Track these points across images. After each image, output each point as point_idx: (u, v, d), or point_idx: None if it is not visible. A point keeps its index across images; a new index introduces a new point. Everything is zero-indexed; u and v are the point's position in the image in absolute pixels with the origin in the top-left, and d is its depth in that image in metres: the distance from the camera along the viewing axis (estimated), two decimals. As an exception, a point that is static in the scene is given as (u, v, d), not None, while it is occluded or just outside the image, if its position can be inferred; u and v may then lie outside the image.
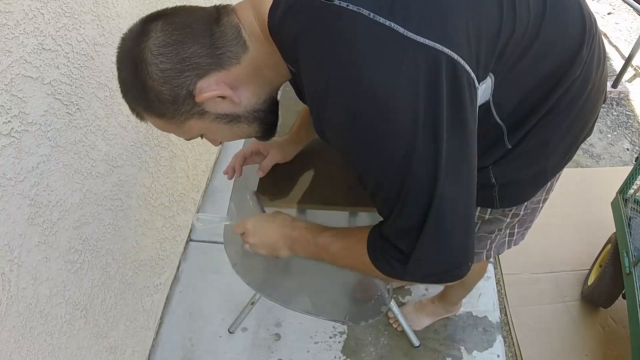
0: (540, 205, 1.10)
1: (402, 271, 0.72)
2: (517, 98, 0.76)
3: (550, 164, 0.94)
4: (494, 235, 1.12)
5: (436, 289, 1.66)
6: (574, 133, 0.91)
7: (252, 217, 0.96)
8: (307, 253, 0.90)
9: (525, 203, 1.01)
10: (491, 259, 1.21)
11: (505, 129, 0.81)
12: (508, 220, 1.05)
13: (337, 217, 1.17)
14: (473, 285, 1.48)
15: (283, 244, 0.92)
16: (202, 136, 0.80)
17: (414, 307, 1.64)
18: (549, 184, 1.03)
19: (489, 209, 1.01)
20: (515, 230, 1.15)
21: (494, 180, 0.89)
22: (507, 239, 1.18)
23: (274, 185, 1.18)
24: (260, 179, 1.16)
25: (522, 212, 1.04)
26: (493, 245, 1.17)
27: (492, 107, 0.74)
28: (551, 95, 0.77)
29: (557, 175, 1.04)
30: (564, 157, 0.96)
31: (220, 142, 0.84)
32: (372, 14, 0.58)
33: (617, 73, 2.67)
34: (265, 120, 0.80)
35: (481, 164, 0.82)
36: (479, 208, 1.01)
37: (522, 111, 0.79)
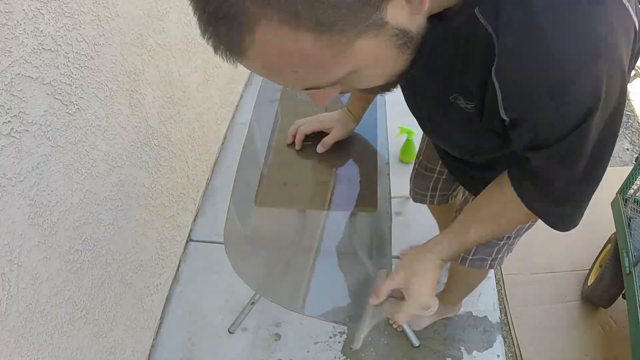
0: None
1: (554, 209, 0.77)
2: None
3: None
4: (502, 242, 1.12)
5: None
6: None
7: (402, 269, 0.87)
8: (456, 250, 0.87)
9: None
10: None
11: None
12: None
13: (337, 217, 1.17)
14: (474, 287, 1.49)
15: (439, 269, 0.88)
16: (337, 83, 0.54)
17: None
18: None
19: None
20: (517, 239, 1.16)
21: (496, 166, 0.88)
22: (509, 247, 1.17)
23: (275, 186, 1.18)
24: (260, 179, 1.16)
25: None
26: (498, 257, 1.18)
27: None
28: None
29: None
30: None
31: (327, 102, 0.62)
32: None
33: (617, 73, 2.67)
34: (413, 63, 0.57)
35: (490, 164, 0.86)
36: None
37: None
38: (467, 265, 1.22)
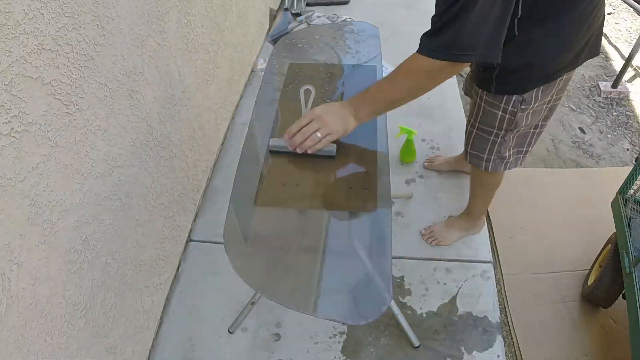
0: (543, 109, 1.29)
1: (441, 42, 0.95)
2: None
3: (550, 60, 1.13)
4: (492, 137, 1.35)
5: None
6: (575, 33, 1.09)
7: (317, 107, 1.14)
8: (372, 108, 1.13)
9: (515, 98, 1.21)
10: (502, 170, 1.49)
11: (520, 13, 0.99)
12: (500, 114, 1.26)
13: (337, 218, 1.18)
14: (491, 196, 1.70)
15: (349, 113, 1.13)
16: None
17: (443, 224, 1.85)
18: (547, 88, 1.20)
19: (485, 93, 1.25)
20: (517, 149, 1.41)
21: (494, 63, 1.05)
22: (511, 152, 1.40)
23: (275, 186, 1.18)
24: (260, 179, 1.16)
25: (509, 108, 1.23)
26: (491, 157, 1.41)
27: None
28: None
29: (557, 83, 1.21)
30: (561, 59, 1.14)
31: None
32: None
33: (617, 73, 2.67)
34: None
35: None
36: (479, 94, 1.29)
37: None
38: (469, 160, 1.48)
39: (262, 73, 1.77)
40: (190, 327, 1.63)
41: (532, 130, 1.36)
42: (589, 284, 1.71)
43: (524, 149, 1.43)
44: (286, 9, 2.91)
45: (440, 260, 1.79)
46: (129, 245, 1.35)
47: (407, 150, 2.11)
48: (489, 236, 1.89)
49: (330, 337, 1.59)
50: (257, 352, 1.57)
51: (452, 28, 0.90)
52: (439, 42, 0.94)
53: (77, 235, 1.10)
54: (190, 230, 1.88)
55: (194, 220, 1.91)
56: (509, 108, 1.24)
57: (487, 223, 1.95)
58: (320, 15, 2.97)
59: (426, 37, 0.97)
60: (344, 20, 2.94)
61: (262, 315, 1.64)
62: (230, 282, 1.72)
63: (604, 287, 1.60)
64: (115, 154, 1.24)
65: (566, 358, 1.62)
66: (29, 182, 0.92)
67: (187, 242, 1.85)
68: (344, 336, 1.59)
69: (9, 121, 0.85)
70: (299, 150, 1.16)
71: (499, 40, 0.94)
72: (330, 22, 2.92)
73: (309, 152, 1.16)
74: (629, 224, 1.51)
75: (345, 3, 3.22)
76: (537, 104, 1.23)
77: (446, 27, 0.91)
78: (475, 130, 1.39)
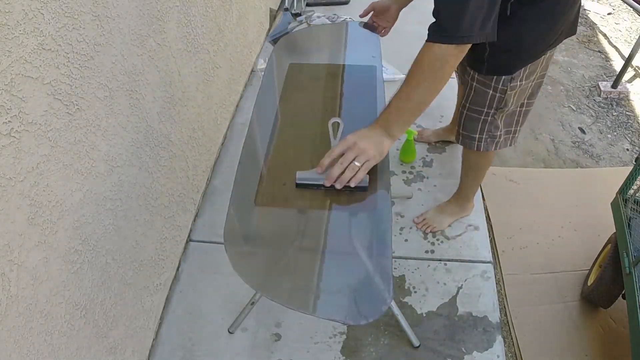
0: (528, 87, 1.38)
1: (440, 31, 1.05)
2: None
3: (538, 39, 1.22)
4: (482, 116, 1.42)
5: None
6: (563, 13, 1.19)
7: (349, 136, 1.13)
8: (401, 120, 1.15)
9: (505, 77, 1.29)
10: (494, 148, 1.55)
11: None
12: (490, 93, 1.34)
13: (337, 217, 1.17)
14: (482, 177, 1.74)
15: (380, 134, 1.14)
16: None
17: (434, 210, 1.89)
18: (532, 66, 1.29)
19: (477, 74, 1.34)
20: (507, 128, 1.48)
21: (486, 44, 1.15)
22: (502, 132, 1.47)
23: (275, 186, 1.18)
24: (260, 179, 1.16)
25: (499, 87, 1.32)
26: (483, 137, 1.47)
27: None
28: None
29: (542, 61, 1.31)
30: (548, 37, 1.23)
31: None
32: None
33: (617, 73, 2.67)
34: None
35: None
36: (470, 74, 1.37)
37: None
38: (460, 142, 1.54)
39: (262, 73, 1.77)
40: (190, 327, 1.63)
41: (519, 109, 1.45)
42: (589, 284, 1.71)
43: (513, 129, 1.50)
44: (286, 9, 2.91)
45: (440, 260, 1.80)
46: (129, 245, 1.35)
47: (407, 150, 2.11)
48: (489, 236, 1.89)
49: (330, 337, 1.59)
50: (257, 352, 1.57)
51: (455, 15, 1.01)
52: (446, 29, 1.04)
53: (77, 236, 1.10)
54: (190, 230, 1.88)
55: (194, 220, 1.91)
56: (499, 87, 1.33)
57: (487, 223, 1.95)
58: (320, 15, 2.97)
59: (434, 26, 1.06)
60: (344, 20, 2.94)
61: (262, 315, 1.64)
62: (230, 282, 1.72)
63: (604, 287, 1.60)
64: (115, 154, 1.23)
65: (566, 358, 1.62)
66: (29, 182, 0.92)
67: (187, 242, 1.85)
68: (344, 336, 1.59)
69: (9, 121, 0.85)
70: (337, 185, 1.11)
71: (494, 21, 1.05)
72: (330, 22, 2.92)
73: (351, 184, 1.10)
74: (629, 224, 1.51)
75: (345, 3, 3.22)
76: (524, 82, 1.33)
77: (450, 15, 1.02)
78: (465, 112, 1.46)
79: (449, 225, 1.88)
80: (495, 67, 1.30)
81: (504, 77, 1.31)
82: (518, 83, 1.32)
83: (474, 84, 1.38)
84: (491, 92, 1.35)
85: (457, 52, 1.06)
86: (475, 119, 1.45)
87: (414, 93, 1.11)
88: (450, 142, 2.20)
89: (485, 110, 1.41)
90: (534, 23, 1.19)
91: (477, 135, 1.49)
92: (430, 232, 1.85)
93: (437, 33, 1.05)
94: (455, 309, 1.66)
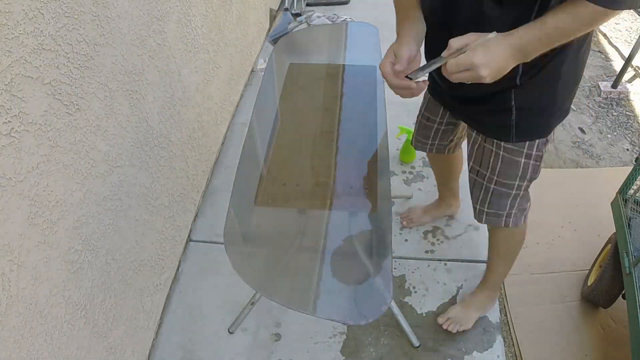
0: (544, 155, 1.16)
1: None
2: None
3: (571, 89, 1.04)
4: (514, 190, 1.20)
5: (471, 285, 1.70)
6: (587, 54, 1.03)
7: (474, 50, 0.88)
8: (539, 49, 0.89)
9: (539, 141, 1.09)
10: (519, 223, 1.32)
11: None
12: (523, 162, 1.13)
13: (337, 217, 1.18)
14: (514, 258, 1.49)
15: (512, 60, 0.89)
16: None
17: (459, 307, 1.62)
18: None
19: (503, 144, 1.12)
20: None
21: (513, 102, 0.98)
22: (530, 202, 1.27)
23: (275, 186, 1.18)
24: (260, 179, 1.16)
25: (533, 153, 1.11)
26: (512, 212, 1.25)
27: None
28: None
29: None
30: (577, 85, 1.06)
31: None
32: None
33: (617, 73, 2.67)
34: None
35: (504, 85, 0.94)
36: (494, 142, 1.14)
37: None
38: (484, 220, 1.29)
39: (262, 73, 1.77)
40: (190, 327, 1.63)
41: None
42: (589, 284, 1.71)
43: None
44: (286, 9, 2.91)
45: (440, 260, 1.79)
46: (129, 245, 1.35)
47: (407, 150, 2.11)
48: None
49: (330, 337, 1.59)
50: (257, 352, 1.57)
51: None
52: None
53: (77, 235, 1.10)
54: (190, 230, 1.88)
55: (194, 220, 1.91)
56: (533, 153, 1.12)
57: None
58: (320, 15, 2.97)
59: None
60: (344, 20, 2.94)
61: (262, 315, 1.64)
62: (230, 282, 1.71)
63: (604, 287, 1.60)
64: (115, 154, 1.23)
65: (566, 358, 1.62)
66: (29, 182, 0.92)
67: (187, 242, 1.85)
68: (344, 336, 1.59)
69: (9, 121, 0.85)
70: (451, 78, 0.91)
71: None
72: (330, 22, 2.92)
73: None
74: (629, 224, 1.51)
75: (345, 3, 3.22)
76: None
77: None
78: (493, 186, 1.21)
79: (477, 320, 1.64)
80: (528, 131, 1.09)
81: (538, 141, 1.10)
82: (551, 142, 1.14)
83: (501, 153, 1.15)
84: (524, 160, 1.13)
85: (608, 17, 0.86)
86: (505, 195, 1.22)
87: (566, 32, 0.89)
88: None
89: (518, 183, 1.18)
90: (568, 72, 1.01)
91: (507, 211, 1.26)
92: (458, 330, 1.59)
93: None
94: (455, 309, 1.66)
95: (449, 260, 1.79)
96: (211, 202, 2.00)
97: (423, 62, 0.99)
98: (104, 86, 1.15)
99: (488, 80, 0.89)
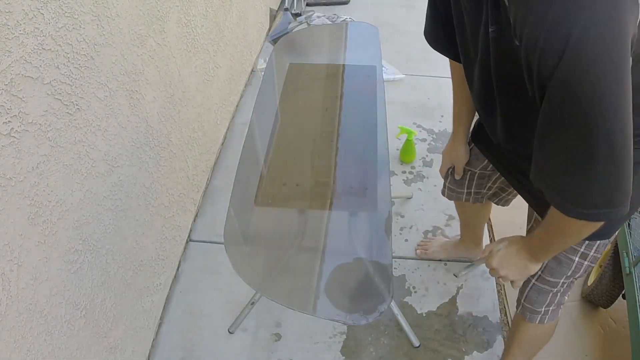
0: None
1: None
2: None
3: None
4: (557, 287, 1.12)
5: None
6: None
7: (492, 255, 1.01)
8: (545, 253, 0.96)
9: (600, 242, 1.02)
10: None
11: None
12: (577, 261, 1.04)
13: (337, 217, 1.18)
14: (536, 353, 1.36)
15: (528, 261, 0.97)
16: None
17: None
18: None
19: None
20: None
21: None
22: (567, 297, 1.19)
23: (275, 186, 1.18)
24: (260, 179, 1.16)
25: (591, 254, 1.04)
26: (550, 309, 1.17)
27: None
28: None
29: None
30: None
31: None
32: None
33: None
34: None
35: None
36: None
37: None
38: (519, 311, 1.22)
39: (262, 73, 1.77)
40: (190, 327, 1.63)
41: None
42: (589, 284, 1.71)
43: None
44: (286, 9, 2.91)
45: (440, 260, 1.79)
46: (129, 245, 1.35)
47: (407, 150, 2.11)
48: (489, 236, 1.89)
49: (330, 337, 1.59)
50: (257, 352, 1.57)
51: (602, 184, 0.72)
52: (593, 203, 0.75)
53: (77, 235, 1.10)
54: (190, 230, 1.88)
55: (194, 220, 1.91)
56: (590, 253, 1.02)
57: (487, 223, 1.95)
58: (320, 15, 2.97)
59: (573, 198, 0.76)
60: (344, 20, 2.94)
61: (262, 315, 1.64)
62: (230, 282, 1.72)
63: (604, 287, 1.60)
64: (115, 154, 1.23)
65: (566, 358, 1.62)
66: (29, 182, 0.92)
67: (187, 242, 1.85)
68: (344, 336, 1.59)
69: (9, 121, 0.85)
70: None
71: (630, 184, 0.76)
72: (330, 22, 2.92)
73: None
74: (629, 224, 1.51)
75: (345, 3, 3.22)
76: None
77: (595, 184, 0.72)
78: (534, 281, 1.13)
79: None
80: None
81: (599, 242, 1.01)
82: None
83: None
84: (578, 259, 1.03)
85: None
86: (546, 291, 1.13)
87: (553, 240, 0.91)
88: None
89: (562, 280, 1.09)
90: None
91: (544, 309, 1.16)
92: None
93: (579, 208, 0.76)
94: (455, 309, 1.66)
95: (449, 260, 1.79)
96: (211, 202, 2.00)
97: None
98: (104, 86, 1.15)
99: (511, 278, 0.99)
